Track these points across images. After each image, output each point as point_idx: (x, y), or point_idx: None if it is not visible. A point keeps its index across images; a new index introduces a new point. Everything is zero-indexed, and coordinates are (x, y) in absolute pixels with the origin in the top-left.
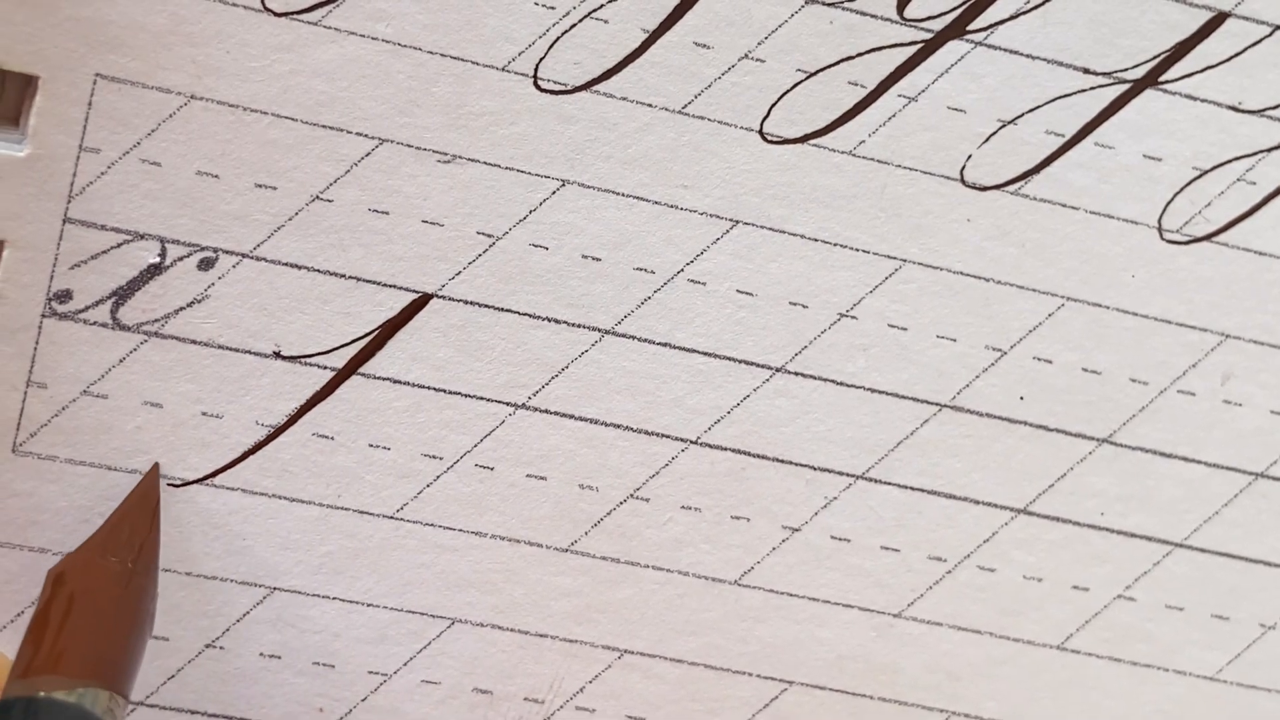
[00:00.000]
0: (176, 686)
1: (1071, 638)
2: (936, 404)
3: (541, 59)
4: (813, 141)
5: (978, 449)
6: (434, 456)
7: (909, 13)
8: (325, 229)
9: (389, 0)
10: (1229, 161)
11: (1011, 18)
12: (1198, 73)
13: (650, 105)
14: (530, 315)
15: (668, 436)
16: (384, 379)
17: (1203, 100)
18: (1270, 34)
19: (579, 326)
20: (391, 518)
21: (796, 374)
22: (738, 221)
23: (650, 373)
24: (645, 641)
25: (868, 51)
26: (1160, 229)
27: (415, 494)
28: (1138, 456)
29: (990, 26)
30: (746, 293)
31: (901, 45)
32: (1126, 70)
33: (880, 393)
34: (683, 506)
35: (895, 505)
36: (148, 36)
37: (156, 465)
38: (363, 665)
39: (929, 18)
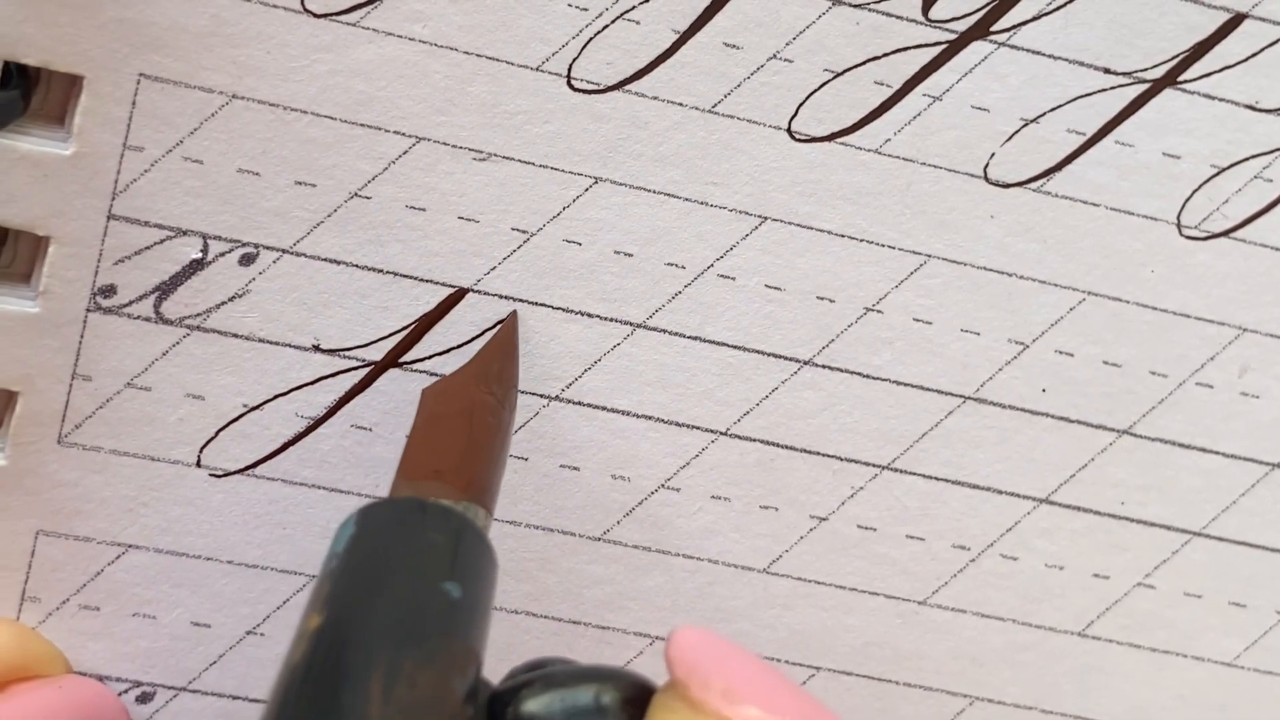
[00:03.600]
0: (218, 673)
1: (1092, 624)
2: (961, 396)
3: (575, 59)
4: (840, 140)
5: (1001, 440)
6: None
7: (934, 14)
8: (363, 225)
9: (426, 1)
10: (1246, 159)
11: (1034, 19)
12: (1216, 73)
13: (681, 104)
14: (563, 309)
15: (698, 428)
16: (421, 372)
17: (1220, 99)
18: None
19: (611, 320)
20: None
21: (824, 367)
22: (766, 218)
23: (681, 366)
24: None
25: (893, 52)
26: (1179, 225)
27: None
28: (1157, 447)
29: (1013, 27)
30: (775, 287)
31: (926, 46)
32: (1146, 70)
33: (905, 385)
34: (712, 496)
35: (920, 495)
36: (189, 37)
37: (515, 312)
38: None
39: (953, 19)
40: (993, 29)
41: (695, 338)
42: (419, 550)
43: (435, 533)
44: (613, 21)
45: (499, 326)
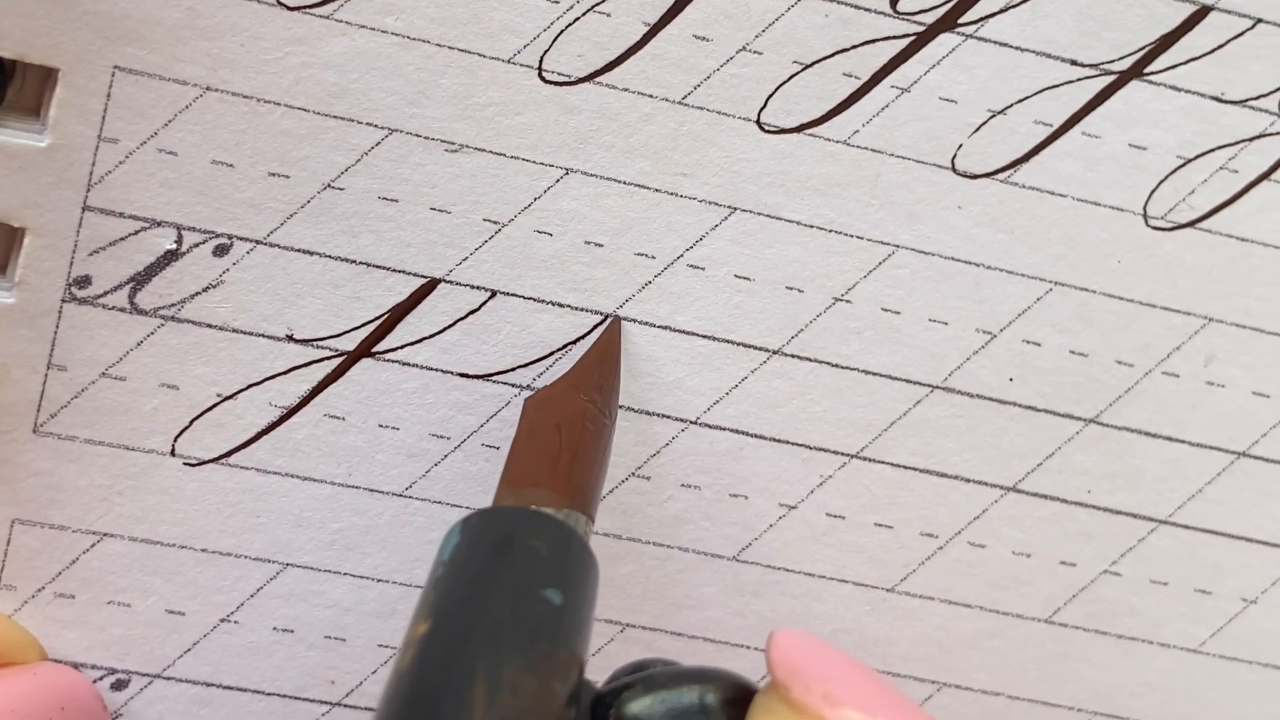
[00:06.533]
0: (192, 660)
1: (1059, 611)
2: (929, 385)
3: (546, 51)
4: (808, 131)
5: (968, 429)
6: (442, 436)
7: (902, 6)
8: (336, 216)
9: None
10: (1212, 150)
11: (1001, 11)
12: (1182, 64)
13: (651, 96)
14: (534, 299)
15: (668, 417)
16: (393, 361)
17: (1187, 91)
18: (1252, 27)
19: (582, 310)
20: (401, 495)
21: (793, 356)
22: (736, 208)
23: (651, 355)
24: (647, 616)
25: (862, 44)
26: (1145, 216)
27: (424, 473)
28: (1124, 436)
29: (980, 20)
30: (744, 277)
31: (894, 38)
32: (1113, 62)
33: (874, 374)
34: (682, 485)
35: (888, 483)
36: (164, 30)
37: (619, 318)
38: (373, 639)
39: (921, 11)
40: (960, 21)
41: (665, 327)
42: (522, 558)
43: (538, 540)
44: (584, 14)
45: (600, 333)
